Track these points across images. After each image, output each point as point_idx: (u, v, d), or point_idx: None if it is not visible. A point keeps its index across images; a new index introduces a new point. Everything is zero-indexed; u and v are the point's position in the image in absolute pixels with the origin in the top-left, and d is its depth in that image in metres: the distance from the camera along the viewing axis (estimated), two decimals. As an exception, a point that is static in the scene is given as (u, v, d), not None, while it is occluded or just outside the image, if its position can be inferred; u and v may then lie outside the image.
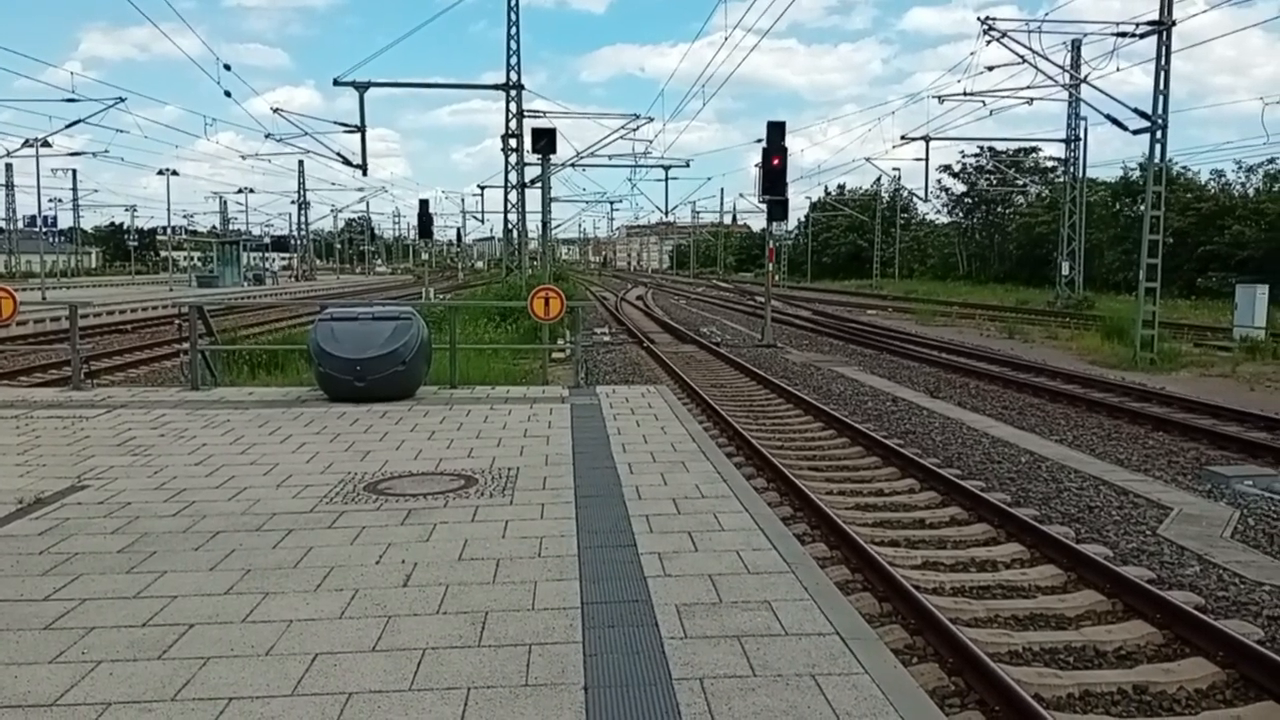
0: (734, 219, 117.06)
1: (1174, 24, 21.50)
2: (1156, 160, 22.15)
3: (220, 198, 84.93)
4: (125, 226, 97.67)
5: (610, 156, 46.00)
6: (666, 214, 67.96)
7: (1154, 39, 21.67)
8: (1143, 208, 22.51)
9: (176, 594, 4.44)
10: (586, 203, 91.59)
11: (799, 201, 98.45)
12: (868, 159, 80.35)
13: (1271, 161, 48.05)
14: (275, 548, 5.16)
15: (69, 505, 6.00)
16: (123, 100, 36.27)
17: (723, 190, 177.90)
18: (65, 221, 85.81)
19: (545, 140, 26.23)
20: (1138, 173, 48.29)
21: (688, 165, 53.51)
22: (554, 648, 3.86)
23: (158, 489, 6.43)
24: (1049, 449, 11.10)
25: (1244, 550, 7.34)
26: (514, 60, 35.36)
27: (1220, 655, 5.28)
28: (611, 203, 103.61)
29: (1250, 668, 5.11)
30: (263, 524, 5.61)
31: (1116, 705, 4.93)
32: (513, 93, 35.36)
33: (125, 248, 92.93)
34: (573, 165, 44.51)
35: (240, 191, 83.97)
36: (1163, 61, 21.41)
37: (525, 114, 35.62)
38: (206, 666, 3.67)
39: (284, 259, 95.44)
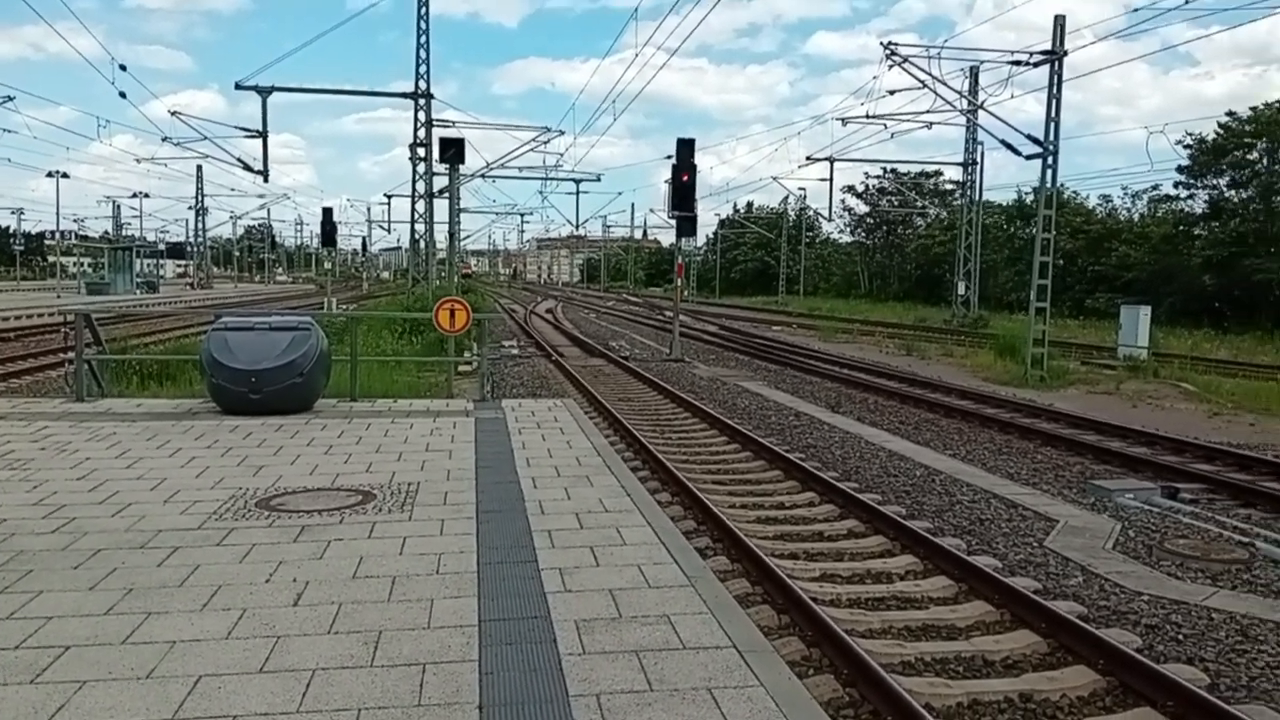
0: (644, 234, 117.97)
1: (1065, 54, 22.43)
2: (1048, 185, 23.02)
3: (114, 202, 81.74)
4: (11, 230, 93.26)
5: (521, 168, 46.17)
6: (577, 227, 67.93)
7: (1046, 68, 22.59)
8: (1035, 230, 23.34)
9: (53, 615, 4.25)
10: (497, 214, 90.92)
11: (708, 218, 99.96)
12: (775, 178, 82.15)
13: (1155, 188, 50.72)
14: (160, 566, 4.98)
15: (-63, 522, 5.70)
16: (11, 99, 35.03)
17: (634, 205, 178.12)
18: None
19: (454, 150, 25.89)
20: (1031, 196, 50.25)
21: (599, 179, 53.97)
22: (449, 666, 3.81)
23: (36, 505, 6.16)
24: (943, 463, 11.40)
25: (1124, 561, 7.64)
26: (424, 69, 35.09)
27: (1101, 663, 5.48)
28: (522, 215, 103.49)
29: (1129, 675, 5.32)
30: (147, 541, 5.41)
31: (1004, 713, 5.08)
32: (422, 101, 35.04)
33: (10, 252, 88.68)
34: (483, 176, 44.29)
35: (135, 196, 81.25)
36: (1054, 90, 22.32)
37: (435, 123, 35.33)
38: (83, 690, 3.52)
39: (180, 266, 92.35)
